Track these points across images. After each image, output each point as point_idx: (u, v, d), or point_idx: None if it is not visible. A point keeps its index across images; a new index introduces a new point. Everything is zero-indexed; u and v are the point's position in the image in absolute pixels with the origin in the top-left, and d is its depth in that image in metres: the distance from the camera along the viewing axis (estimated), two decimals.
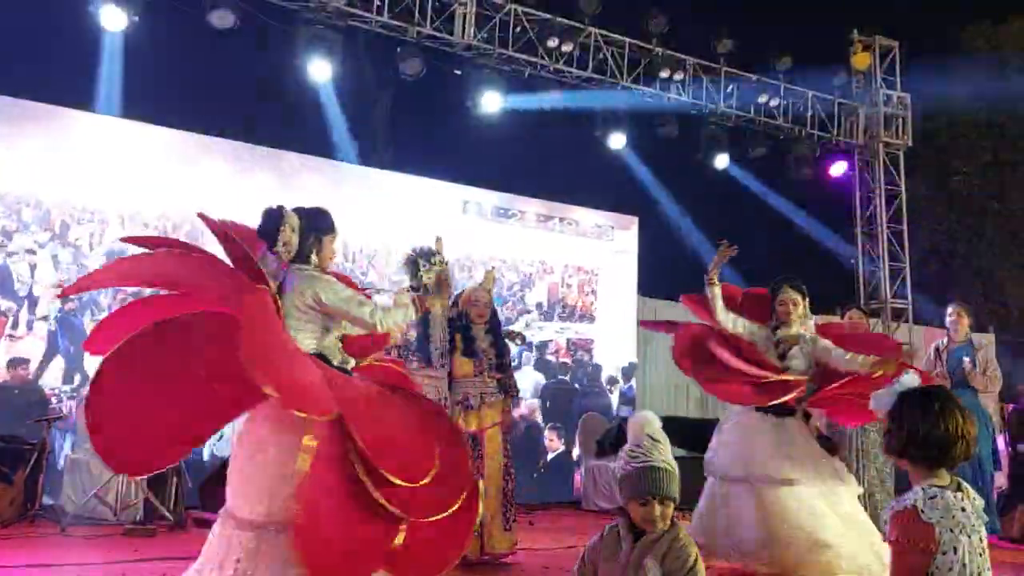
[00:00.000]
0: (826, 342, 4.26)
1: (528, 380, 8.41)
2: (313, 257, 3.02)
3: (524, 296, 8.78)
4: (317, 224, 3.05)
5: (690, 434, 7.81)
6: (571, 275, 9.11)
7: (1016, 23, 15.73)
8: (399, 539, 2.62)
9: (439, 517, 2.66)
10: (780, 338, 4.32)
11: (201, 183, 7.06)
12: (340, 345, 3.08)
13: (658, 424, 2.37)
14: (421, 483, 2.61)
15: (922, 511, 2.00)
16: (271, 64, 7.80)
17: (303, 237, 2.99)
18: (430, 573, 2.75)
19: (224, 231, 2.89)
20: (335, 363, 2.97)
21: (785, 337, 4.31)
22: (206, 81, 7.47)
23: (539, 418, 8.58)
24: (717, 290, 4.30)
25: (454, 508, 2.68)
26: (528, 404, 8.44)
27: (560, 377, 8.82)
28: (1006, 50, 15.69)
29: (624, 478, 2.30)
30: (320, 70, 7.55)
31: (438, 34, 7.97)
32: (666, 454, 2.31)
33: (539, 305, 8.85)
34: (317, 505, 2.57)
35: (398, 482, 2.55)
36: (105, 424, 2.53)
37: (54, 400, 6.47)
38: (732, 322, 4.32)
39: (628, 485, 2.29)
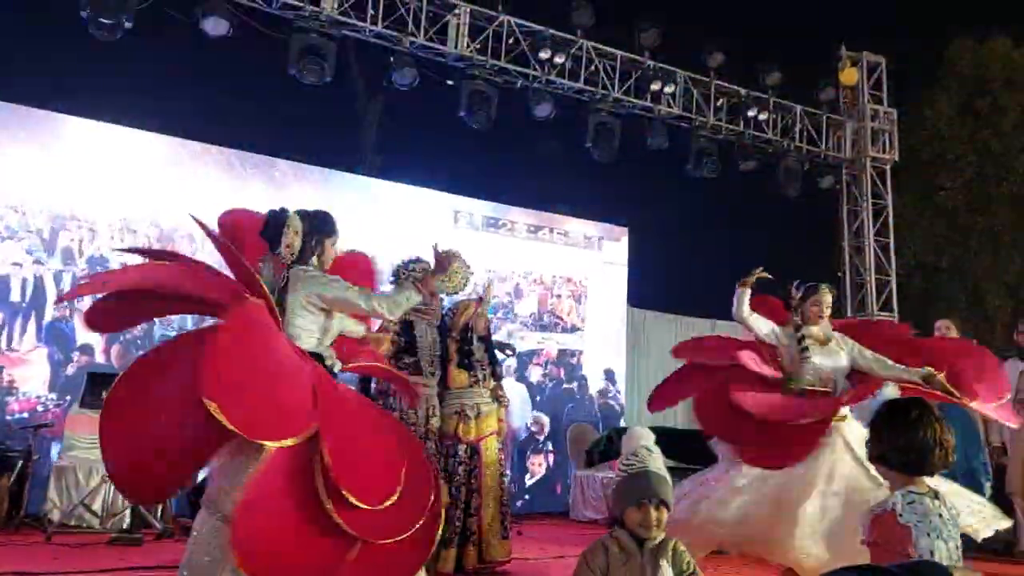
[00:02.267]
0: (873, 354, 4.10)
1: (513, 390, 8.43)
2: (314, 259, 3.03)
3: (514, 306, 8.81)
4: (319, 227, 3.05)
5: (679, 445, 7.85)
6: (560, 286, 9.15)
7: (999, 41, 15.96)
8: (351, 554, 2.53)
9: (396, 540, 2.57)
10: (804, 335, 4.14)
11: (192, 190, 7.06)
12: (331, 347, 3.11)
13: (652, 438, 2.49)
14: (382, 506, 2.53)
15: (900, 514, 2.06)
16: (263, 72, 7.83)
17: (305, 239, 2.99)
18: None
19: (217, 236, 2.92)
20: (326, 364, 2.97)
21: (809, 334, 4.14)
22: (199, 88, 7.50)
23: (523, 428, 8.60)
24: (746, 292, 4.13)
25: (412, 530, 2.59)
26: (514, 414, 8.45)
27: (553, 387, 8.85)
28: (990, 67, 15.91)
29: (619, 485, 2.40)
30: (312, 78, 7.57)
31: (431, 44, 8.03)
32: (660, 464, 2.42)
33: (531, 315, 8.88)
34: (259, 505, 2.48)
35: (358, 504, 2.47)
36: (117, 453, 2.51)
37: (39, 407, 6.44)
38: (755, 322, 4.14)
39: (624, 490, 2.38)
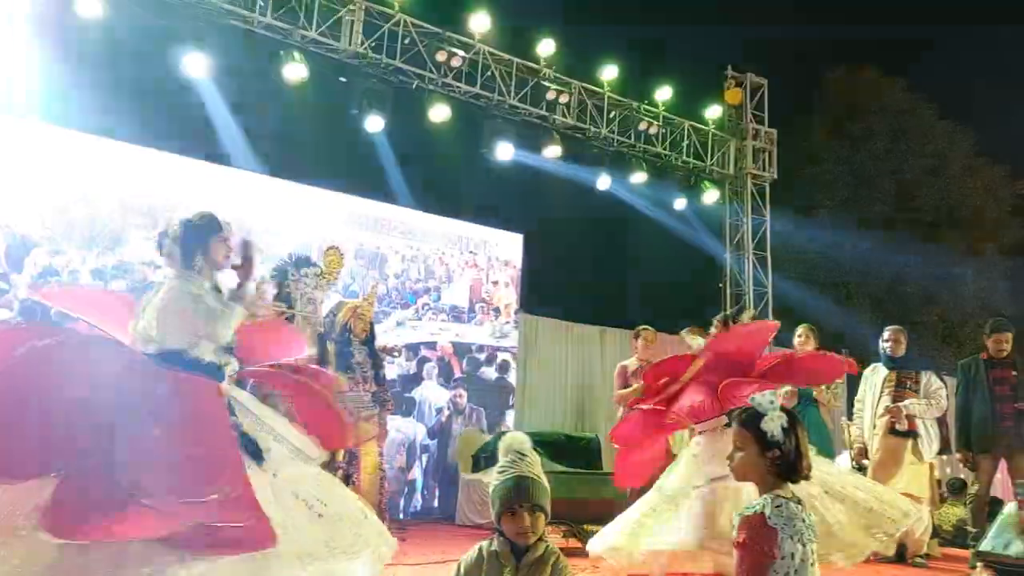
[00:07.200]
0: None
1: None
2: (199, 260, 3.06)
3: (407, 306, 8.71)
4: (198, 229, 3.09)
5: (568, 449, 7.96)
6: (459, 289, 9.10)
7: (869, 69, 17.13)
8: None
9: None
10: None
11: (87, 185, 6.76)
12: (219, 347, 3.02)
13: (527, 442, 2.47)
14: None
15: (769, 517, 2.14)
16: (145, 59, 7.45)
17: (184, 244, 3.05)
18: None
19: None
20: (205, 359, 2.94)
21: None
22: (84, 79, 7.10)
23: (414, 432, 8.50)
24: None
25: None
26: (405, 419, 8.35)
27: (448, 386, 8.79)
28: (860, 94, 17.01)
29: (493, 492, 2.37)
30: (197, 68, 7.24)
31: (324, 39, 7.83)
32: (534, 468, 2.39)
33: (430, 306, 8.80)
34: None
35: None
36: None
37: None
38: None
39: (497, 497, 2.35)
